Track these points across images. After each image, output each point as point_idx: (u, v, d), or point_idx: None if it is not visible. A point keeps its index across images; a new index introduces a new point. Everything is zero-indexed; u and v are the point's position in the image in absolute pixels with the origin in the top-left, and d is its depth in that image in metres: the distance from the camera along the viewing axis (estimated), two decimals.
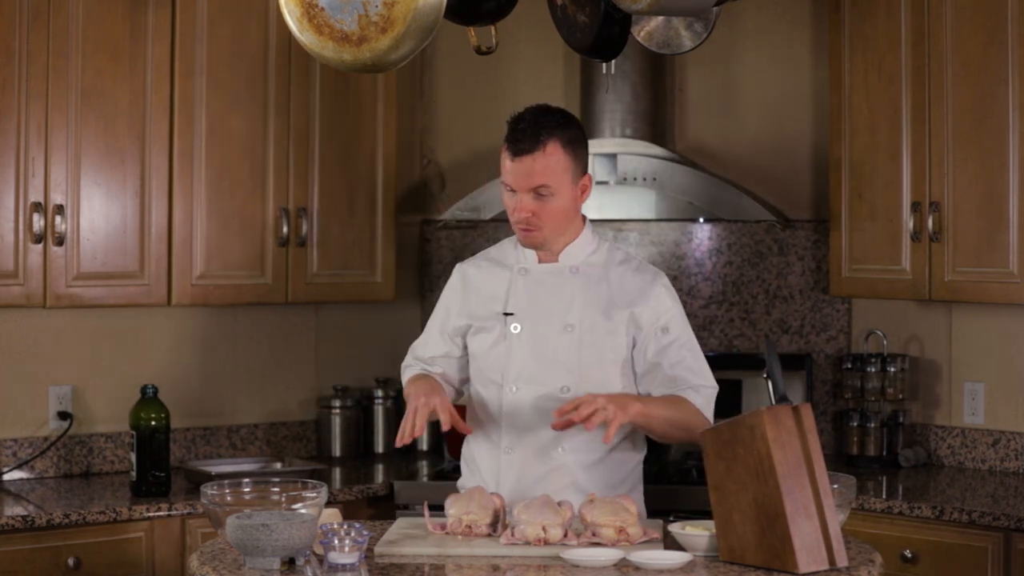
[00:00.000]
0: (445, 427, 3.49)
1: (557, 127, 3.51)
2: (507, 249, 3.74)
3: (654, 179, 4.98)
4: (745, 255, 5.34)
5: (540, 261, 3.66)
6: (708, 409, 3.59)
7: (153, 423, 4.53)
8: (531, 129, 3.50)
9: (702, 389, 3.58)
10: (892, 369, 5.03)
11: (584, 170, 3.59)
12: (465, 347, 3.73)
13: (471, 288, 3.72)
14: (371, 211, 5.13)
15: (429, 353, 3.76)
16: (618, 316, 3.59)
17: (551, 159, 3.50)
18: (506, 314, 3.64)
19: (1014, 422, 4.89)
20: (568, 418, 3.36)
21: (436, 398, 3.48)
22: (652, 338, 3.59)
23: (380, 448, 5.34)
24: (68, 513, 4.22)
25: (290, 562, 3.05)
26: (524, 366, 3.61)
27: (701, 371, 3.61)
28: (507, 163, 3.53)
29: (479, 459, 3.69)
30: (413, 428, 3.41)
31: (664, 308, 3.61)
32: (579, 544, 3.22)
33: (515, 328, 3.62)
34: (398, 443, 3.42)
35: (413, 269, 5.63)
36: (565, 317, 3.60)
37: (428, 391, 3.52)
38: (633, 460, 3.68)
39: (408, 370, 3.78)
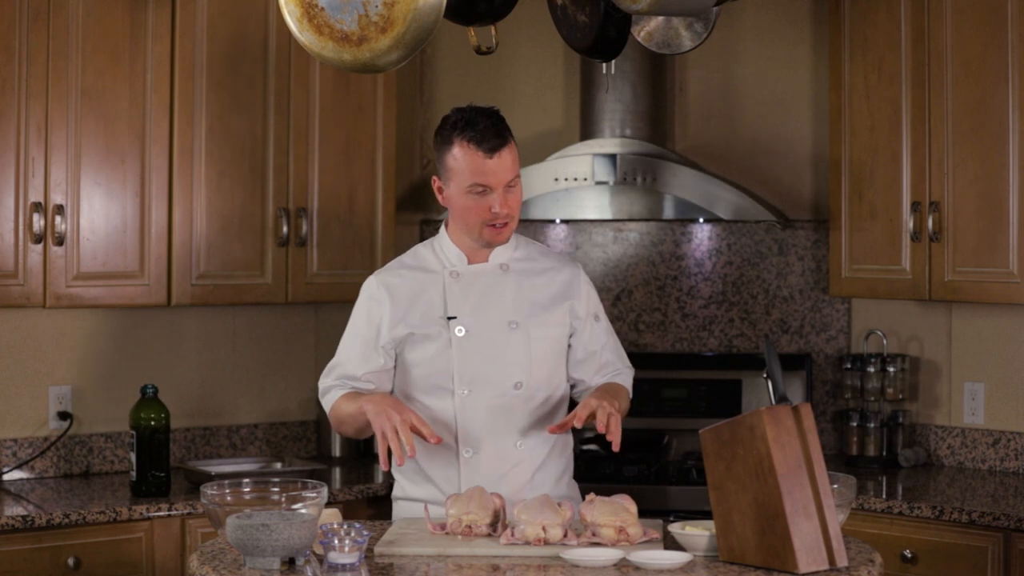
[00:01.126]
0: (432, 439, 3.40)
1: (502, 120, 3.59)
2: (424, 255, 3.70)
3: (654, 179, 4.99)
4: (745, 255, 5.33)
5: (470, 262, 3.65)
6: (631, 390, 3.79)
7: (153, 423, 4.53)
8: (493, 126, 3.54)
9: (627, 371, 3.80)
10: (892, 369, 5.03)
11: None
12: (396, 358, 3.66)
13: (401, 297, 3.64)
14: (371, 211, 5.13)
15: (362, 370, 3.64)
16: (558, 309, 3.67)
17: (514, 149, 3.58)
18: (449, 318, 3.61)
19: (1014, 422, 4.89)
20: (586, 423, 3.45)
21: (410, 413, 3.40)
22: (589, 327, 3.72)
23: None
24: (68, 513, 4.22)
25: (290, 562, 3.05)
26: (475, 368, 3.59)
27: (622, 354, 3.81)
28: (482, 163, 3.52)
29: (429, 469, 3.63)
30: (402, 449, 3.33)
31: (593, 297, 3.76)
32: (579, 544, 3.22)
33: (460, 331, 3.60)
34: (384, 465, 3.34)
35: None
36: (509, 314, 3.62)
37: (396, 407, 3.40)
38: (568, 447, 3.76)
39: (333, 391, 3.66)
